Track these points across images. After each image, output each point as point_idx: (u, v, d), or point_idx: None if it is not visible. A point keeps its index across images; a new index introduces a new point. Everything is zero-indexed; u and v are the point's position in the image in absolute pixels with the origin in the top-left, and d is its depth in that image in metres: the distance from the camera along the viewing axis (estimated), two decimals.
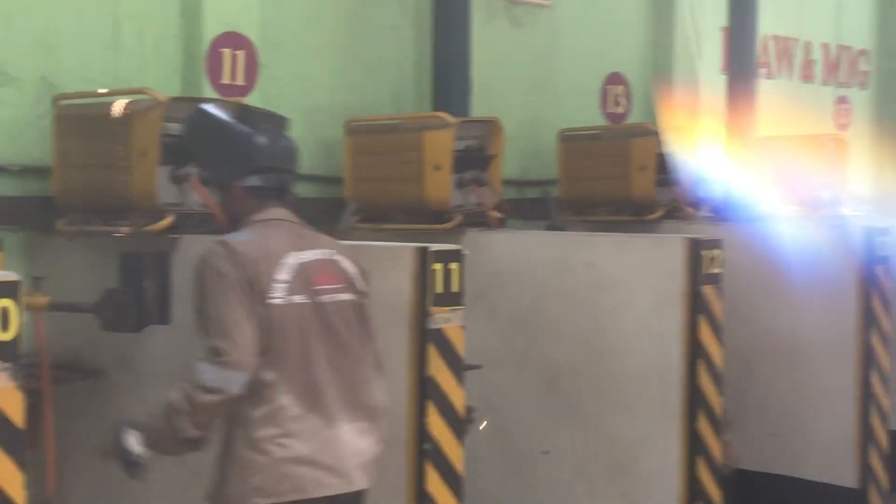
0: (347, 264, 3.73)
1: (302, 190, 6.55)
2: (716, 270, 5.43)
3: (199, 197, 4.85)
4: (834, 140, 8.42)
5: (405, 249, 4.27)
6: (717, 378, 5.48)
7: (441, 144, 6.03)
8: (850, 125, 11.15)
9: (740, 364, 6.63)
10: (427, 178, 6.05)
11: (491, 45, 7.56)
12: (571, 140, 7.53)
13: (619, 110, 8.61)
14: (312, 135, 6.68)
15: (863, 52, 11.47)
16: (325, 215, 6.54)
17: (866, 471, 6.59)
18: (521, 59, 7.93)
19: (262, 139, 3.75)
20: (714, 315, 5.44)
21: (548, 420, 5.84)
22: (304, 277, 3.57)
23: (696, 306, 5.37)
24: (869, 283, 6.54)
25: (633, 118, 8.69)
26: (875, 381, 6.58)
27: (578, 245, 5.77)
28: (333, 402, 3.54)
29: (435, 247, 4.25)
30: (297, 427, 3.48)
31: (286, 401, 3.48)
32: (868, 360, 6.55)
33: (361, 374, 3.65)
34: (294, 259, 3.58)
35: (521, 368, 5.89)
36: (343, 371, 3.59)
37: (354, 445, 3.58)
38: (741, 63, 8.99)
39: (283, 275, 3.53)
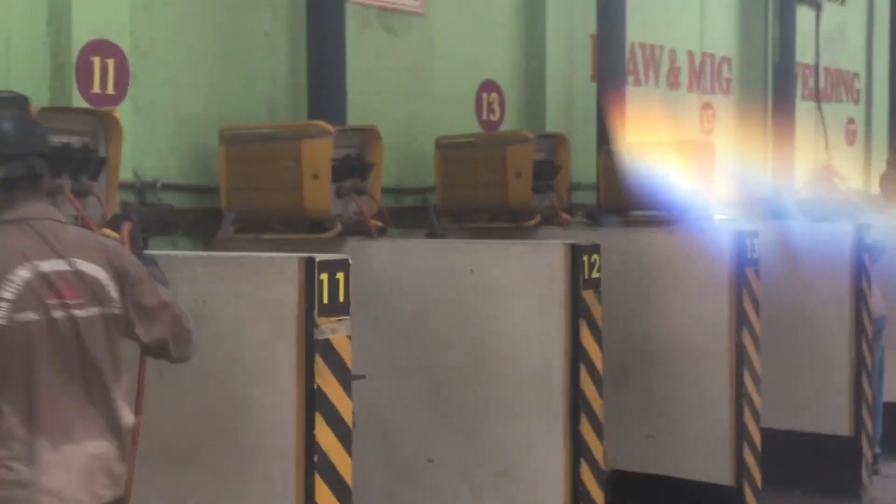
0: (99, 272, 3.48)
1: (176, 200, 6.47)
2: (595, 275, 5.50)
3: (72, 208, 4.75)
4: (703, 145, 8.62)
5: (290, 260, 4.22)
6: (598, 381, 5.55)
7: (320, 153, 5.98)
8: (715, 131, 11.41)
9: (618, 367, 6.72)
10: (306, 187, 6.00)
11: (365, 53, 7.53)
12: (448, 148, 7.55)
13: (494, 118, 8.66)
14: (186, 144, 6.58)
15: (726, 60, 11.75)
16: (199, 226, 6.47)
17: (741, 468, 6.75)
18: (395, 67, 7.91)
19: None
20: (594, 319, 5.51)
21: (432, 428, 5.83)
22: (37, 292, 3.35)
23: (578, 311, 5.43)
24: (740, 285, 6.70)
25: (507, 125, 8.75)
26: (748, 380, 6.74)
27: (460, 252, 5.78)
28: (63, 422, 3.39)
29: (321, 257, 4.20)
30: (23, 450, 3.34)
31: (12, 424, 3.32)
32: (741, 360, 6.72)
33: (99, 393, 3.48)
34: (26, 272, 3.34)
35: (404, 377, 5.88)
36: (76, 390, 3.43)
37: (83, 467, 3.43)
38: (611, 71, 9.14)
39: (8, 293, 3.30)
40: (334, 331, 4.20)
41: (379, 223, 6.26)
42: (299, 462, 4.20)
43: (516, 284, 5.58)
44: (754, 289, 6.77)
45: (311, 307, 4.16)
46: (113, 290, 3.50)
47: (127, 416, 3.54)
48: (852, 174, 13.88)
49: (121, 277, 3.53)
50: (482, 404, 5.69)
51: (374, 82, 7.64)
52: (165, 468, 4.47)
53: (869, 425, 8.01)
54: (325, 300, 4.18)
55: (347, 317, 4.26)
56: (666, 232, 6.99)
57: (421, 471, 5.88)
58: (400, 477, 5.93)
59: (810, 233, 8.13)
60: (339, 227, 6.05)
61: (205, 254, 4.52)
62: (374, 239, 6.15)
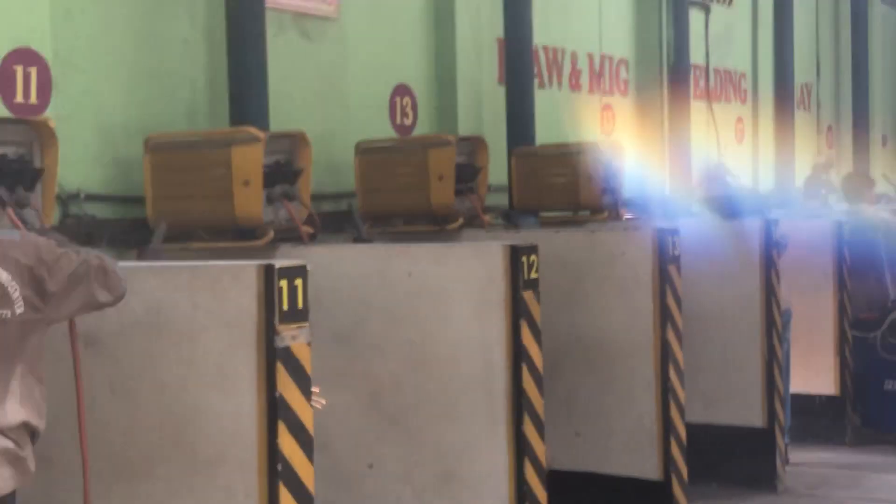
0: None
1: (98, 210, 6.34)
2: (534, 276, 5.54)
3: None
4: (612, 146, 8.77)
5: (248, 267, 4.17)
6: (538, 381, 5.60)
7: (250, 159, 5.93)
8: (615, 132, 11.61)
9: (545, 366, 6.78)
10: (237, 194, 5.94)
11: (281, 58, 7.47)
12: (369, 152, 7.54)
13: (407, 122, 8.68)
14: (107, 153, 6.46)
15: (623, 62, 11.97)
16: (124, 237, 6.35)
17: (668, 462, 6.87)
18: (311, 72, 7.87)
19: None
20: (534, 319, 5.55)
21: (372, 434, 5.81)
22: None
23: (518, 312, 5.46)
24: (663, 282, 6.82)
25: (420, 129, 8.77)
26: (672, 375, 6.87)
27: (397, 256, 5.77)
28: None
29: (280, 263, 4.17)
30: None
31: None
32: (666, 356, 6.83)
33: None
34: None
35: (342, 384, 5.83)
36: None
37: None
38: (519, 73, 9.24)
39: None
40: (294, 338, 4.17)
41: (310, 229, 6.22)
42: (262, 472, 4.16)
43: (455, 287, 5.59)
44: (676, 285, 6.90)
45: (271, 315, 4.12)
46: (14, 289, 3.46)
47: (13, 415, 3.48)
48: (742, 172, 14.28)
49: (34, 267, 3.51)
50: (422, 408, 5.69)
51: (290, 87, 7.59)
52: (119, 482, 4.39)
53: (782, 417, 8.23)
54: (285, 307, 4.15)
55: (307, 323, 4.23)
56: (589, 231, 7.09)
57: (361, 477, 5.85)
58: (340, 484, 5.90)
59: (720, 229, 8.32)
60: (271, 233, 5.99)
61: (156, 263, 4.44)
62: (307, 245, 6.11)
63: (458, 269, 5.60)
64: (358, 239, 6.85)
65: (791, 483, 8.32)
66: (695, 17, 13.05)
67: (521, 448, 5.49)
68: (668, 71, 12.25)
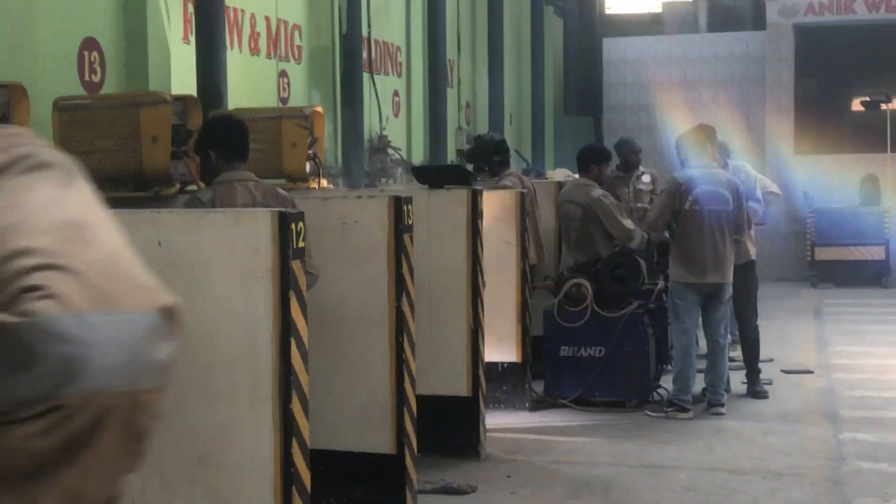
0: None
1: None
2: (301, 244, 5.18)
3: None
4: (313, 113, 8.45)
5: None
6: (304, 357, 5.25)
7: None
8: (290, 99, 11.28)
9: None
10: None
11: None
12: (69, 110, 6.81)
13: (95, 78, 7.96)
14: None
15: (297, 27, 11.64)
16: None
17: (401, 436, 6.71)
18: None
19: None
20: (301, 291, 5.19)
21: None
22: None
23: (287, 283, 5.08)
24: (399, 251, 6.64)
25: (108, 88, 8.08)
26: (406, 347, 6.71)
27: (144, 224, 5.18)
28: None
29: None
30: None
31: None
32: (400, 326, 6.66)
33: None
34: None
35: None
36: None
37: None
38: (211, 34, 8.73)
39: None
40: None
41: None
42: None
43: (214, 257, 5.11)
44: (411, 254, 6.74)
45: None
46: None
47: None
48: (400, 145, 14.39)
49: None
50: (175, 388, 5.17)
51: None
52: None
53: (484, 385, 8.30)
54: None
55: None
56: (321, 198, 6.77)
57: None
58: None
59: (427, 198, 8.24)
60: None
61: None
62: None
63: (217, 238, 5.12)
64: None
65: (490, 450, 8.41)
66: None
67: (288, 428, 5.12)
68: (341, 40, 12.05)
